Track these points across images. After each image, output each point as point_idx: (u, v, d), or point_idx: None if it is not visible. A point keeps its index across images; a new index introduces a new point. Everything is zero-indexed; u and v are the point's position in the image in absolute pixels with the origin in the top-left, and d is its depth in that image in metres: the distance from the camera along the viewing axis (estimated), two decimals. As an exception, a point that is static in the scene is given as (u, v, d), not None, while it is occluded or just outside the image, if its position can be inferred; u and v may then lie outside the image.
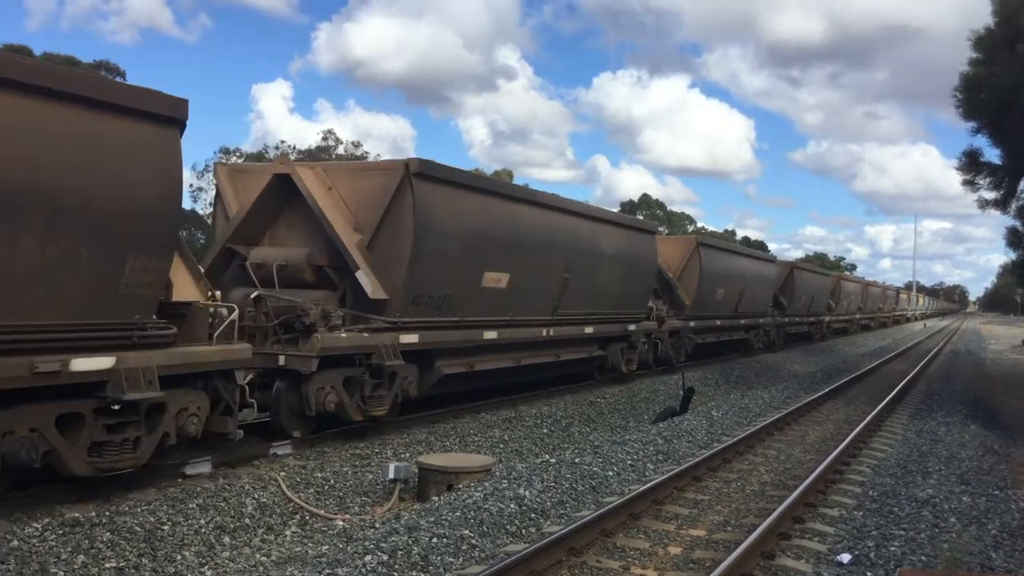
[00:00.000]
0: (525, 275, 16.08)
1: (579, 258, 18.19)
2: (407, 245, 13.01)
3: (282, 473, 10.52)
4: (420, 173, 13.11)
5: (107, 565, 7.47)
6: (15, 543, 7.42)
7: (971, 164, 16.99)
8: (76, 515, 8.27)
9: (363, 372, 12.51)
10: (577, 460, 11.37)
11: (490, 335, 15.33)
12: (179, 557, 7.99)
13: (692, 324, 26.34)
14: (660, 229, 30.99)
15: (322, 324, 12.04)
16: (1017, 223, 17.16)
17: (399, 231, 13.03)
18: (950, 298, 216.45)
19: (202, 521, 8.74)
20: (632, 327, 21.56)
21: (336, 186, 13.44)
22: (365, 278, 12.84)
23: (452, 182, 14.07)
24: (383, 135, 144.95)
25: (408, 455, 12.15)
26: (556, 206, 17.63)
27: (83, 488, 9.04)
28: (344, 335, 12.33)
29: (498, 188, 16.42)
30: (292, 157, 54.46)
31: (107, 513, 8.43)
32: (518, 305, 16.08)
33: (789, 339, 40.23)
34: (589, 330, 19.15)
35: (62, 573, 7.13)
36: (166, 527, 8.45)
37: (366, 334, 12.66)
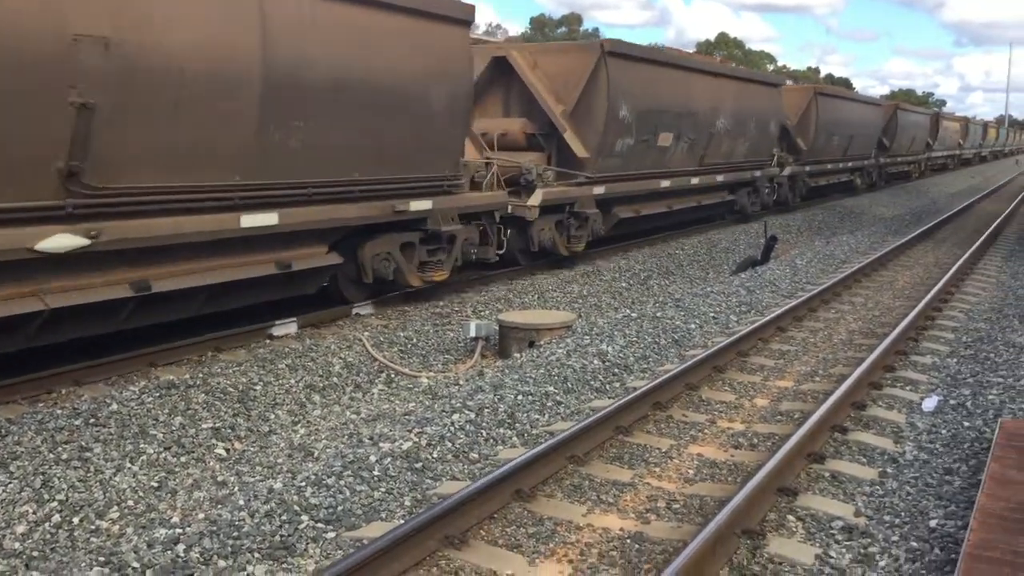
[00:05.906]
0: (685, 133, 18.70)
1: (724, 113, 20.52)
2: (602, 113, 15.60)
3: (366, 333, 10.67)
4: (612, 52, 15.71)
5: (204, 425, 7.70)
6: (114, 407, 7.68)
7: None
8: (171, 378, 8.53)
9: (568, 217, 15.71)
10: (658, 313, 11.24)
11: (655, 185, 18.20)
12: (272, 416, 8.21)
13: (807, 168, 28.57)
14: (787, 81, 31.48)
15: (539, 181, 14.65)
16: None
17: (595, 101, 15.59)
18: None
19: (292, 380, 8.95)
20: (757, 173, 23.94)
21: (540, 64, 15.89)
22: (572, 140, 15.57)
23: (637, 57, 16.76)
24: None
25: (488, 312, 12.20)
26: (712, 71, 20.64)
27: (176, 351, 9.35)
28: (556, 189, 15.26)
29: (672, 60, 18.95)
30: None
31: (200, 375, 8.67)
32: (676, 159, 18.91)
33: (890, 178, 40.85)
34: (723, 178, 21.78)
35: (161, 435, 7.36)
36: (258, 387, 8.66)
37: (571, 188, 15.62)
